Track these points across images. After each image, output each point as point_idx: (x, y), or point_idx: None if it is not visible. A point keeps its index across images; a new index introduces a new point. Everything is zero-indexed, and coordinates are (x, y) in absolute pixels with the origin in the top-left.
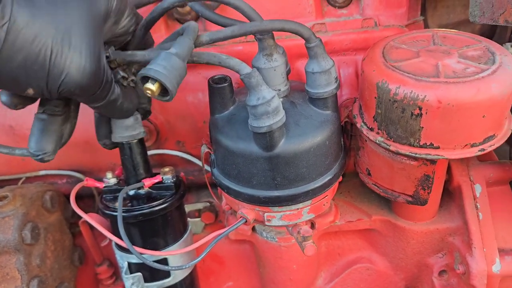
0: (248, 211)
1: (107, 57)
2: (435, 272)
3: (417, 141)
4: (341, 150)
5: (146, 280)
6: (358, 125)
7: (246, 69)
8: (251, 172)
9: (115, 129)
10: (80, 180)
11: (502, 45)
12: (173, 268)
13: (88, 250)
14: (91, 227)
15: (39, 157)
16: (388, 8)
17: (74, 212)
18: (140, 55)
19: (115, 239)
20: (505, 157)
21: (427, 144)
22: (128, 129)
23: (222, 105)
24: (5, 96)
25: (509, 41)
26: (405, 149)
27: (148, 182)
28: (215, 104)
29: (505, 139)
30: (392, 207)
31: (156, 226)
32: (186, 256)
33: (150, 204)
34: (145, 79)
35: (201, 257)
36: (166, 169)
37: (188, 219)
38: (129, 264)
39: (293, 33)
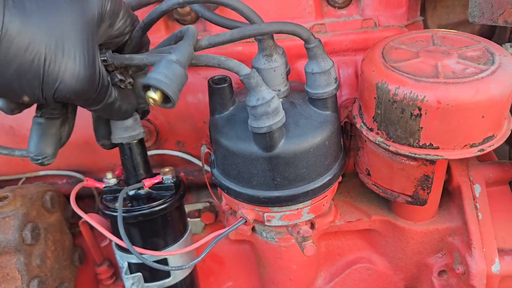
0: (248, 211)
1: (104, 60)
2: (435, 272)
3: (416, 142)
4: (340, 150)
5: (146, 280)
6: (358, 126)
7: (245, 70)
8: (251, 173)
9: (114, 130)
10: (80, 181)
11: (501, 46)
12: (173, 268)
13: (88, 250)
14: (91, 227)
15: (39, 161)
16: (388, 9)
17: (74, 212)
18: (138, 58)
19: (115, 239)
20: (504, 157)
21: (427, 145)
22: (128, 130)
23: (222, 106)
24: (1, 101)
25: (508, 42)
26: (404, 150)
27: (148, 182)
28: (215, 105)
29: (505, 139)
30: (391, 207)
31: (156, 226)
32: (186, 256)
33: (150, 205)
34: (147, 87)
35: (201, 257)
36: (166, 170)
37: (188, 219)
38: (129, 264)
39: (291, 34)
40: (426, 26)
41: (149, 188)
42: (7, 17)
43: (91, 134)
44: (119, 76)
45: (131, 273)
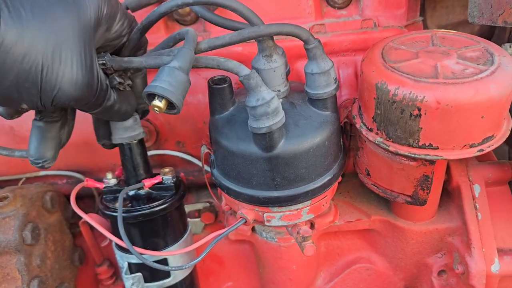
0: (247, 212)
1: (103, 64)
2: (434, 272)
3: (416, 142)
4: (340, 150)
5: (146, 280)
6: (358, 126)
7: (244, 70)
8: (250, 173)
9: (114, 131)
10: (80, 181)
11: (500, 46)
12: (173, 268)
13: (88, 250)
14: (91, 228)
15: (40, 165)
16: (388, 9)
17: (74, 213)
18: (137, 61)
19: (115, 239)
20: (504, 157)
21: (426, 145)
22: (128, 130)
23: (221, 106)
24: (0, 107)
25: (507, 42)
26: (404, 150)
27: (148, 182)
28: (214, 105)
29: (504, 139)
30: (391, 207)
31: (156, 226)
32: (186, 256)
33: (150, 205)
34: (152, 96)
35: (201, 257)
36: (166, 170)
37: (188, 219)
38: (129, 264)
39: (291, 36)
40: (425, 27)
41: (149, 188)
42: (3, 27)
43: (91, 134)
44: (118, 79)
45: (131, 273)
